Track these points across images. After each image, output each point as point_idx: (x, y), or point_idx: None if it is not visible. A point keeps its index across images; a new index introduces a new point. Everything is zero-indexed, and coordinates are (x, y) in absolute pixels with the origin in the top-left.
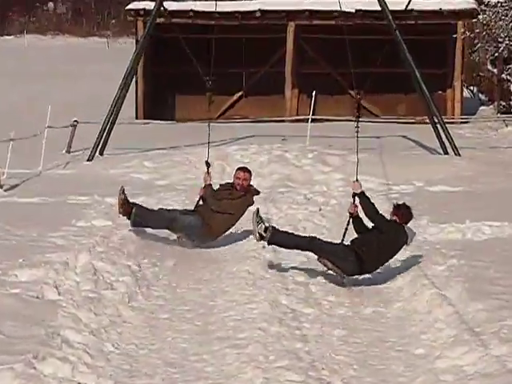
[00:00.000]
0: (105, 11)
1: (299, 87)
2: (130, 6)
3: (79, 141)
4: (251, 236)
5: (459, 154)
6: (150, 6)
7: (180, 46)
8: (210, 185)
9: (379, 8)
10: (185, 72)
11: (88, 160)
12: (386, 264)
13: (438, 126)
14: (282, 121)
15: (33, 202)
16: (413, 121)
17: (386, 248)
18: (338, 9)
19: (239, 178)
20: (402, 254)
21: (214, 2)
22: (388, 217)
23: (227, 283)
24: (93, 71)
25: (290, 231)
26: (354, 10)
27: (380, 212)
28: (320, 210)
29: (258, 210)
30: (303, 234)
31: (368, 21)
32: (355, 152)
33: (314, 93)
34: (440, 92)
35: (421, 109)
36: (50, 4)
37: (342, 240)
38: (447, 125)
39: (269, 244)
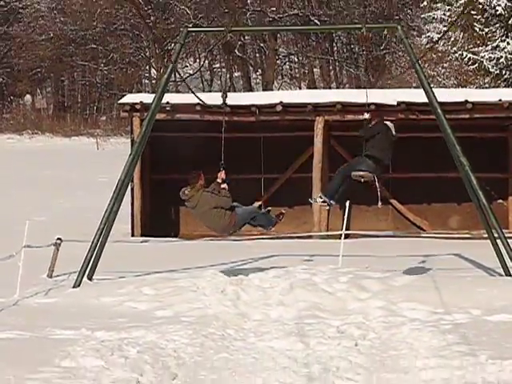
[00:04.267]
0: (93, 105)
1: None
2: (124, 100)
3: (63, 263)
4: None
5: None
6: (149, 99)
7: (185, 148)
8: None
9: (426, 100)
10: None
11: (74, 286)
12: None
13: (499, 241)
14: (309, 237)
15: (7, 337)
16: (468, 236)
17: (383, 141)
18: (376, 101)
19: None
20: None
21: (229, 95)
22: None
23: None
24: (79, 179)
25: (330, 184)
26: (395, 103)
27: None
28: (356, 345)
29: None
30: (336, 175)
31: (413, 115)
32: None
33: (347, 203)
34: (501, 201)
35: (477, 222)
36: (28, 97)
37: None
38: (510, 240)
39: (331, 200)
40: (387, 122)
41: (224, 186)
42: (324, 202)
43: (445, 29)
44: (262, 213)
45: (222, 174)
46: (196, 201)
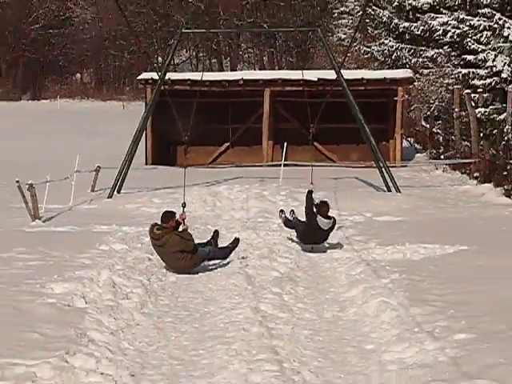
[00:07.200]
0: (121, 80)
1: (274, 139)
2: (140, 76)
3: (101, 182)
4: (236, 257)
5: (400, 191)
6: (156, 76)
7: (179, 108)
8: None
9: (335, 77)
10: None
11: (108, 197)
12: (342, 278)
13: (383, 169)
14: (261, 166)
15: (65, 230)
16: (363, 165)
17: (305, 231)
18: (304, 78)
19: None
20: (355, 270)
21: (208, 73)
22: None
23: (218, 293)
24: (112, 128)
25: (287, 221)
26: (316, 79)
27: (311, 209)
28: (290, 235)
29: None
30: (290, 221)
31: (327, 87)
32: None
33: (285, 144)
34: (384, 143)
35: (369, 156)
36: (78, 75)
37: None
38: (390, 168)
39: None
40: (321, 225)
41: (185, 226)
42: (282, 217)
43: (350, 31)
44: (218, 249)
45: (183, 215)
46: (164, 241)
